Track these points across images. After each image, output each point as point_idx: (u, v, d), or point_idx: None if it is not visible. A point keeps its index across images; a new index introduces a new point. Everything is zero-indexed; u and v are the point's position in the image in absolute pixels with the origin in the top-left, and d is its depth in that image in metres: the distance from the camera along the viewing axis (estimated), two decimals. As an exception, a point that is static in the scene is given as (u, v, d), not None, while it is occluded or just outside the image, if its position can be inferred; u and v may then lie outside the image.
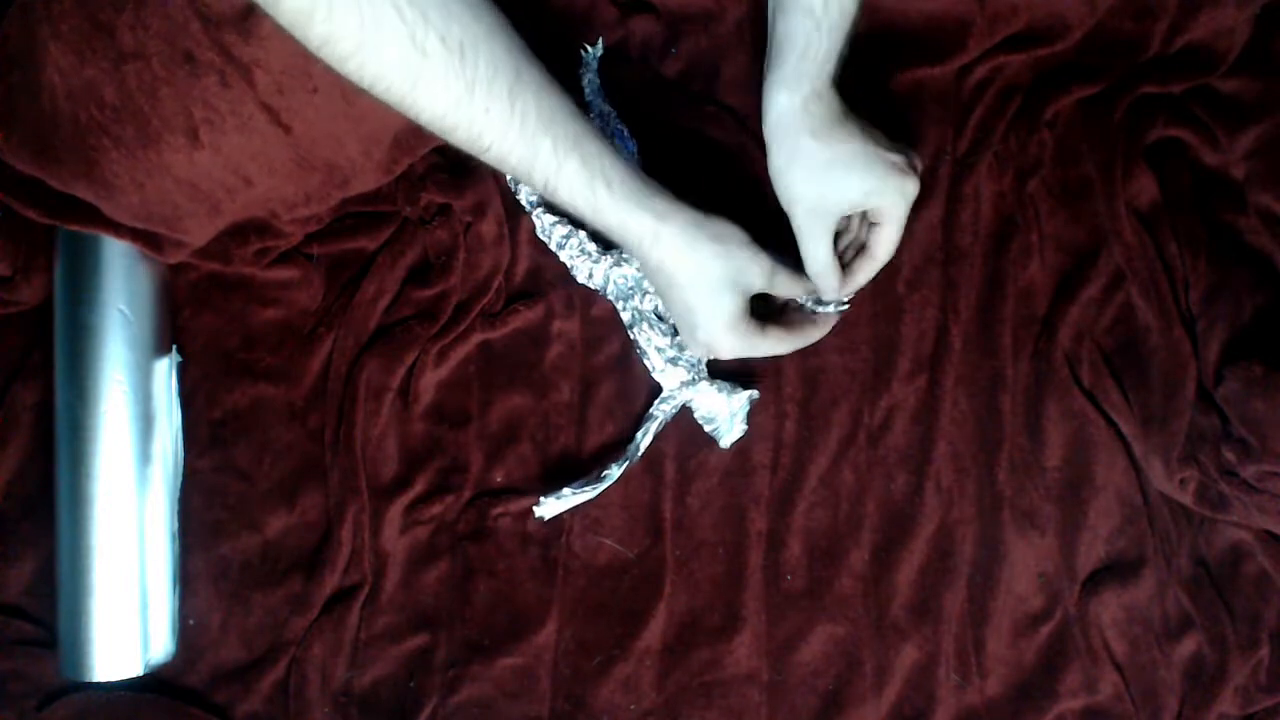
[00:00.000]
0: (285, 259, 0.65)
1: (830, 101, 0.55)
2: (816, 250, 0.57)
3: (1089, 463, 0.62)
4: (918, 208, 0.65)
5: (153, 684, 0.62)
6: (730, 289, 0.55)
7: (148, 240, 0.60)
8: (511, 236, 0.65)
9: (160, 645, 0.61)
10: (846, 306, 0.62)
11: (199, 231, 0.61)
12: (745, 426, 0.62)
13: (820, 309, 0.61)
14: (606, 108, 0.65)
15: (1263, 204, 0.63)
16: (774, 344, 0.59)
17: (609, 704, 0.61)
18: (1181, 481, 0.60)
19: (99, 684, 0.59)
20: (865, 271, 0.60)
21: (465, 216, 0.65)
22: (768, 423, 0.63)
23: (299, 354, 0.65)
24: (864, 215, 0.59)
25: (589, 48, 0.66)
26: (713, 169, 0.66)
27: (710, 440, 0.63)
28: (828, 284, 0.59)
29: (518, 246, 0.66)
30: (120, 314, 0.60)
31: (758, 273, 0.56)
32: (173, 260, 0.63)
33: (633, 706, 0.61)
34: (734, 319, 0.56)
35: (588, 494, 0.61)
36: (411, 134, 0.62)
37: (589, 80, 0.65)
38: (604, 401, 0.64)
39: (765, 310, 0.61)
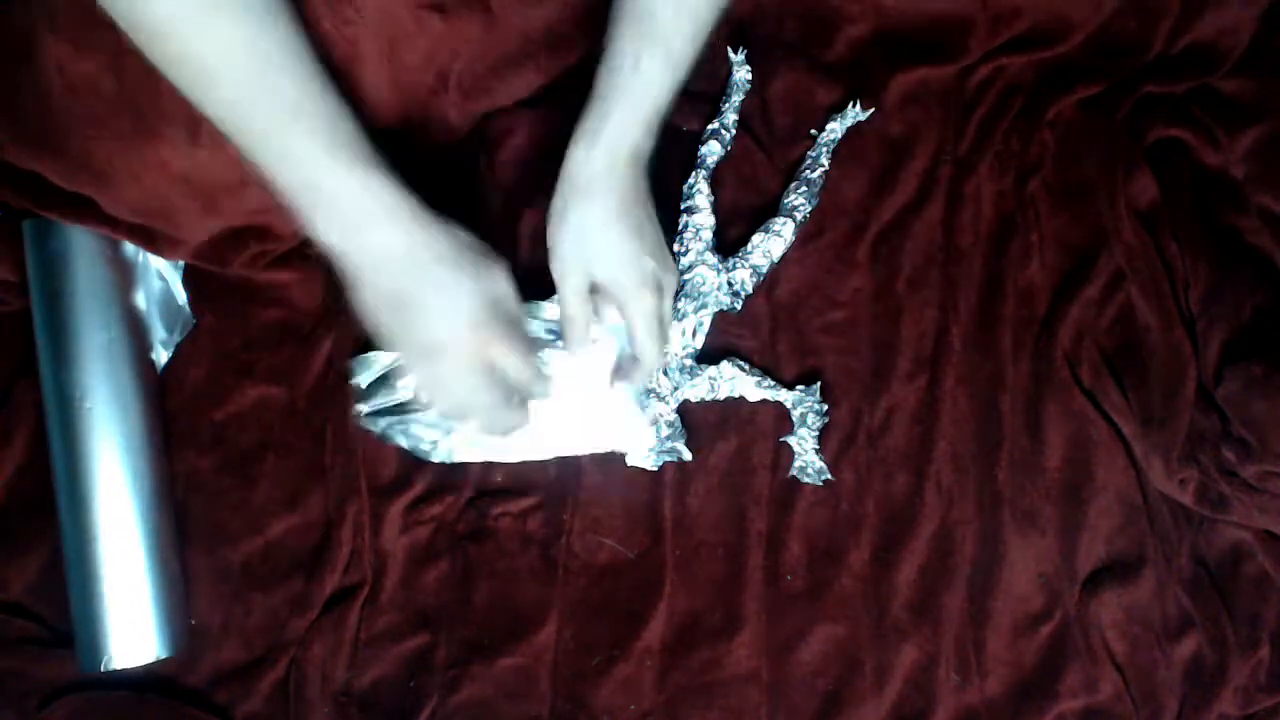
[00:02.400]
0: (284, 261, 0.66)
1: (642, 166, 0.54)
2: (571, 301, 0.56)
3: (1089, 463, 0.62)
4: (918, 207, 0.66)
5: (153, 684, 0.62)
6: (475, 294, 0.50)
7: (146, 236, 0.60)
8: (511, 235, 0.65)
9: (174, 632, 0.61)
10: (644, 403, 0.62)
11: (196, 229, 0.61)
12: (657, 456, 0.62)
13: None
14: (732, 118, 0.66)
15: (1263, 204, 0.63)
16: (519, 362, 0.53)
17: (609, 704, 0.61)
18: (1181, 481, 0.60)
19: (117, 672, 0.59)
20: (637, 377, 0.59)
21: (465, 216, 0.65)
22: (768, 422, 0.63)
23: (299, 354, 0.66)
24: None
25: (733, 54, 0.67)
26: (712, 169, 0.66)
27: (711, 441, 0.63)
28: (575, 333, 0.57)
29: (517, 245, 0.66)
30: (91, 296, 0.61)
31: (506, 288, 0.52)
32: (172, 259, 0.63)
33: (633, 706, 0.61)
34: (490, 309, 0.50)
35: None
36: (412, 132, 0.62)
37: (734, 97, 0.66)
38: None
39: None
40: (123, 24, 0.45)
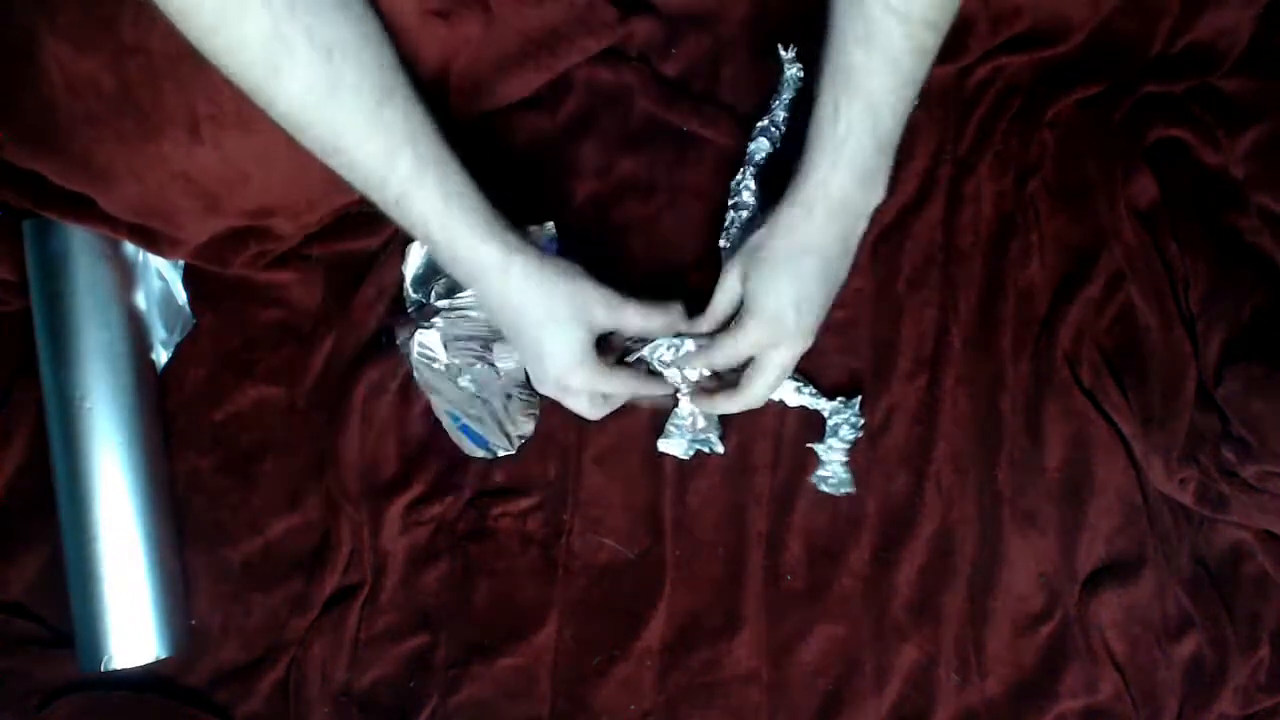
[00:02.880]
0: (284, 261, 0.66)
1: (849, 217, 0.54)
2: (727, 293, 0.57)
3: (1089, 463, 0.62)
4: (918, 208, 0.66)
5: (153, 684, 0.62)
6: (577, 322, 0.54)
7: (145, 236, 0.60)
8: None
9: (174, 632, 0.61)
10: (682, 392, 0.61)
11: (196, 229, 0.61)
12: (689, 444, 0.62)
13: (663, 369, 0.60)
14: (782, 115, 0.65)
15: (1263, 204, 0.63)
16: (622, 384, 0.57)
17: (609, 704, 0.61)
18: (1181, 481, 0.60)
19: (117, 672, 0.59)
20: (728, 405, 0.59)
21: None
22: (769, 422, 0.63)
23: (299, 354, 0.66)
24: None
25: (783, 51, 0.65)
26: (712, 169, 0.66)
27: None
28: (714, 317, 0.59)
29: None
30: (91, 296, 0.61)
31: (601, 306, 0.55)
32: (172, 259, 0.63)
33: (633, 706, 0.61)
34: (583, 352, 0.55)
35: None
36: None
37: (784, 94, 0.65)
38: (604, 401, 0.64)
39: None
40: (259, 103, 0.49)
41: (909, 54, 0.49)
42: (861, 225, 0.55)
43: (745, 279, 0.56)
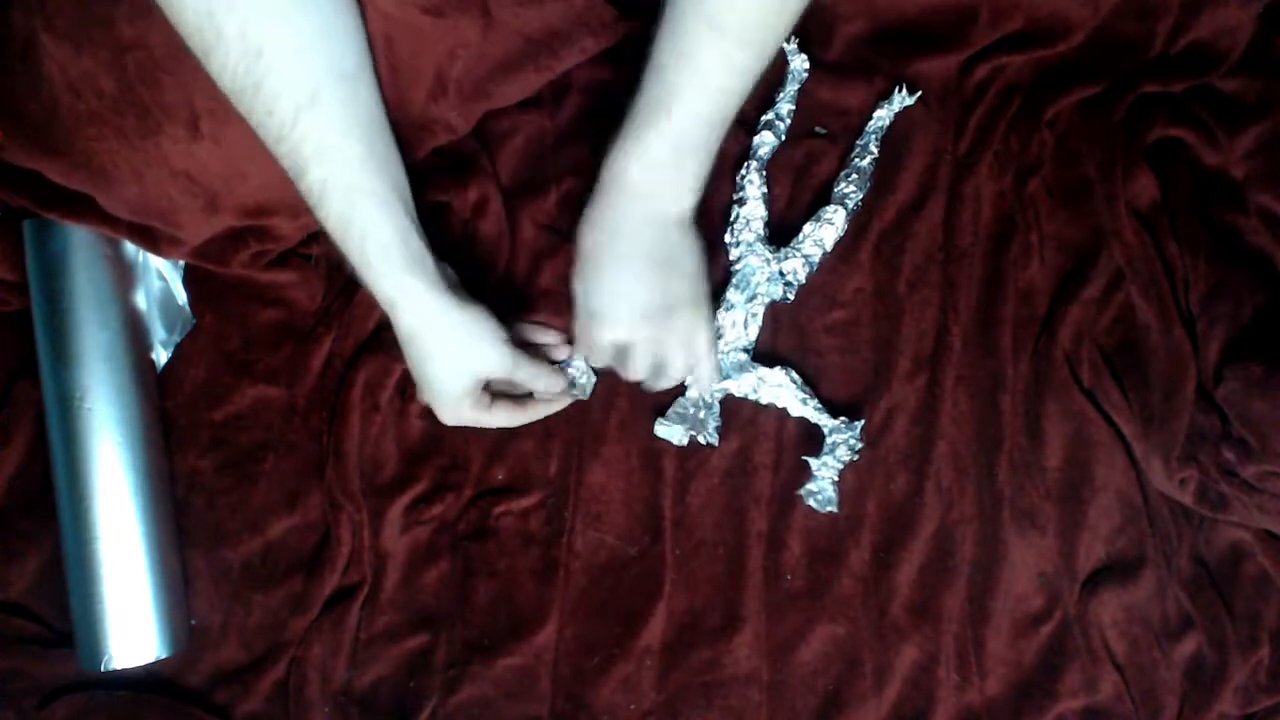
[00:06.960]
0: (284, 261, 0.66)
1: (659, 217, 0.56)
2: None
3: (1089, 463, 0.62)
4: (918, 207, 0.66)
5: (153, 684, 0.62)
6: (463, 374, 0.56)
7: (144, 235, 0.60)
8: (511, 235, 0.65)
9: (174, 632, 0.61)
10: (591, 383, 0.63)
11: (195, 227, 0.61)
12: (684, 432, 0.63)
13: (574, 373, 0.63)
14: (786, 108, 0.66)
15: (1263, 204, 0.63)
16: (500, 418, 0.60)
17: (609, 704, 0.61)
18: (1181, 481, 0.60)
19: (117, 672, 0.59)
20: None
21: (465, 214, 0.65)
22: (769, 422, 0.63)
23: (299, 354, 0.66)
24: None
25: (786, 43, 0.66)
26: (715, 166, 0.66)
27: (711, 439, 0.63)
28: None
29: (517, 245, 0.66)
30: (91, 296, 0.61)
31: (497, 366, 0.57)
32: (170, 258, 0.63)
33: (633, 706, 0.61)
34: (459, 397, 0.57)
35: None
36: (412, 133, 0.62)
37: (789, 86, 0.66)
38: (609, 396, 0.64)
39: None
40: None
41: (720, 70, 0.50)
42: (672, 215, 0.55)
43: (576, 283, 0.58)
